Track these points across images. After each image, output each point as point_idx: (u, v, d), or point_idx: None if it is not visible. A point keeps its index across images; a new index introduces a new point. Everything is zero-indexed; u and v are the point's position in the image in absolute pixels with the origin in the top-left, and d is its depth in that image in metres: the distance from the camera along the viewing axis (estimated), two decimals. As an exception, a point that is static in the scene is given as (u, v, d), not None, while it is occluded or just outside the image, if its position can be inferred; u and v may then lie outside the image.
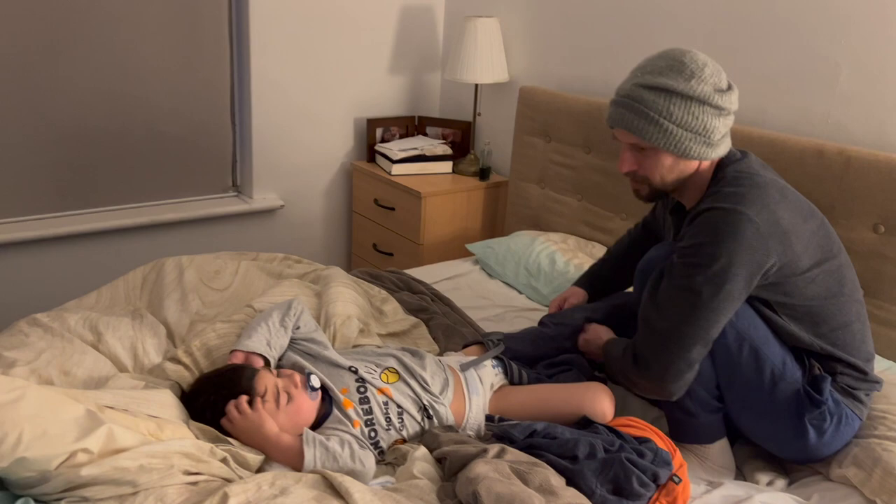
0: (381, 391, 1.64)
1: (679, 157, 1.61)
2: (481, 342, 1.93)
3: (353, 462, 1.47)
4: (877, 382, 1.69)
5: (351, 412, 1.58)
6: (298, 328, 1.78)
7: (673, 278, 1.57)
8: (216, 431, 1.50)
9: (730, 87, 1.60)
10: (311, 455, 1.47)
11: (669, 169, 1.63)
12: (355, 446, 1.50)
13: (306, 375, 1.61)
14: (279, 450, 1.50)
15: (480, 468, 1.36)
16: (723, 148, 1.63)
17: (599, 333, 1.88)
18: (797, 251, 1.56)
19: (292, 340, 1.77)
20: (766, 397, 1.60)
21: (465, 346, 1.95)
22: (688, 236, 1.58)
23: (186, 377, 1.71)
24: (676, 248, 1.60)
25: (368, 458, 1.50)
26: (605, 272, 2.16)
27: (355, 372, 1.66)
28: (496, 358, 1.84)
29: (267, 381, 1.57)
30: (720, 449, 1.71)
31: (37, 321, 1.79)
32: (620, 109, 1.61)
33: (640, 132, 1.59)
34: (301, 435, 1.51)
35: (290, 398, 1.56)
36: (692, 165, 1.64)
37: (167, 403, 1.52)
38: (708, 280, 1.52)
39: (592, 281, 2.15)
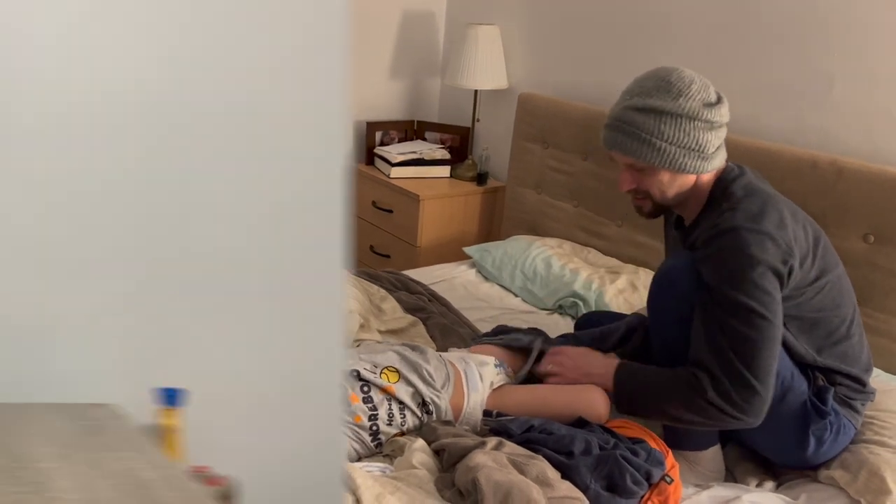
0: (384, 390, 1.65)
1: (676, 172, 1.63)
2: (496, 343, 1.91)
3: None
4: (872, 392, 1.72)
5: (356, 407, 1.61)
6: None
7: (726, 312, 1.53)
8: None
9: (719, 101, 1.62)
10: None
11: (668, 184, 1.65)
12: None
13: None
14: None
15: (480, 458, 1.39)
16: (718, 160, 1.65)
17: (589, 356, 1.80)
18: (809, 261, 1.59)
19: None
20: (774, 409, 1.59)
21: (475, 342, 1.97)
22: (715, 261, 1.56)
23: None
24: (710, 279, 1.55)
25: None
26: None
27: (357, 375, 1.68)
28: (497, 359, 1.87)
29: None
30: (712, 455, 1.72)
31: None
32: (613, 133, 1.64)
33: (635, 153, 1.61)
34: None
35: None
36: (690, 179, 1.66)
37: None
38: (756, 298, 1.51)
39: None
